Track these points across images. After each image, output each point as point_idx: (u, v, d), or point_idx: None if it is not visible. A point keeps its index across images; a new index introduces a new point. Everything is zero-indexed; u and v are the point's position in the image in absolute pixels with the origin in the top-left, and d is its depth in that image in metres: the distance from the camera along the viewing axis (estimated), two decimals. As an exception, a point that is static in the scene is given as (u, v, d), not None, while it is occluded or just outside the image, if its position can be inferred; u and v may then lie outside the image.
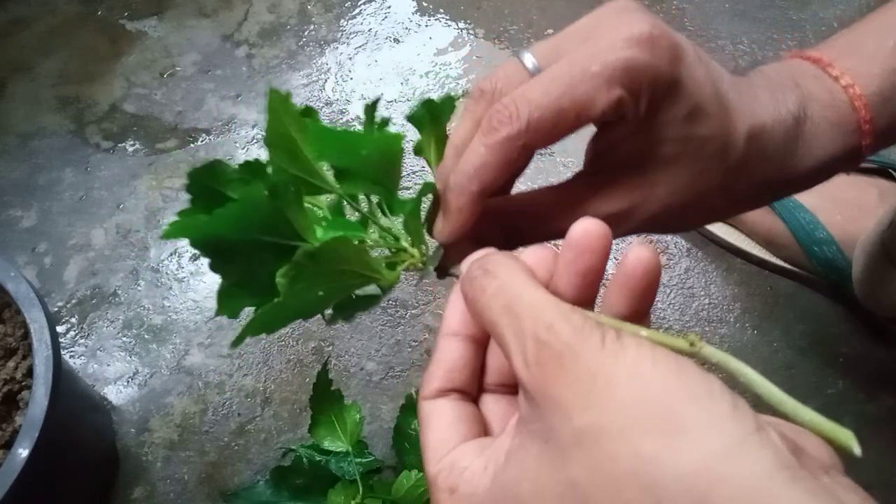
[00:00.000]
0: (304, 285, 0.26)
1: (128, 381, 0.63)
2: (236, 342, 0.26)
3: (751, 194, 0.32)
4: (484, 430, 0.27)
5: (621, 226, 0.30)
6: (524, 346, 0.22)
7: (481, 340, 0.27)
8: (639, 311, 0.26)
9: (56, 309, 0.67)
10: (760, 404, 0.24)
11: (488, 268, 0.25)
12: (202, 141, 0.76)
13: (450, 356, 0.27)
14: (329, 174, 0.29)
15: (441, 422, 0.26)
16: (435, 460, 0.25)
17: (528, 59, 0.29)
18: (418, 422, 0.27)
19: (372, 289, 0.31)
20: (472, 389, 0.28)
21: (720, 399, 0.21)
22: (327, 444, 0.50)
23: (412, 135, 0.33)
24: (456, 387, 0.27)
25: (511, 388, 0.27)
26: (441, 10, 0.83)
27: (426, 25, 0.82)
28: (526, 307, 0.23)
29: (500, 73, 0.29)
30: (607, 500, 0.19)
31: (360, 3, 0.84)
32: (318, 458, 0.52)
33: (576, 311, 0.22)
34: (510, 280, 0.24)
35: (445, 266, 0.31)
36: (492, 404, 0.28)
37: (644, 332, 0.24)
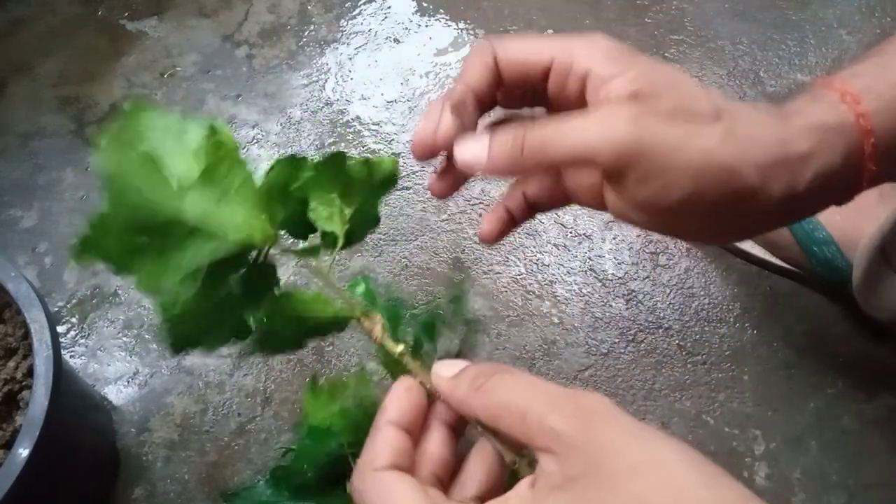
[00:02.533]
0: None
1: (128, 381, 0.63)
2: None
3: (751, 163, 0.30)
4: None
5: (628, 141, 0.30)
6: (561, 405, 0.25)
7: (413, 431, 0.29)
8: None
9: (56, 309, 0.67)
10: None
11: (494, 371, 0.28)
12: (202, 141, 0.76)
13: (394, 441, 0.28)
14: None
15: (406, 489, 0.26)
16: None
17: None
18: (369, 493, 0.27)
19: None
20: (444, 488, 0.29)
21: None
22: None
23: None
24: (407, 466, 0.28)
25: (479, 500, 0.29)
26: (441, 10, 0.83)
27: (426, 25, 0.82)
28: (551, 386, 0.26)
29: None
30: None
31: (360, 3, 0.84)
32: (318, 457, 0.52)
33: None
34: (511, 374, 0.27)
35: None
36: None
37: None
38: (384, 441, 0.28)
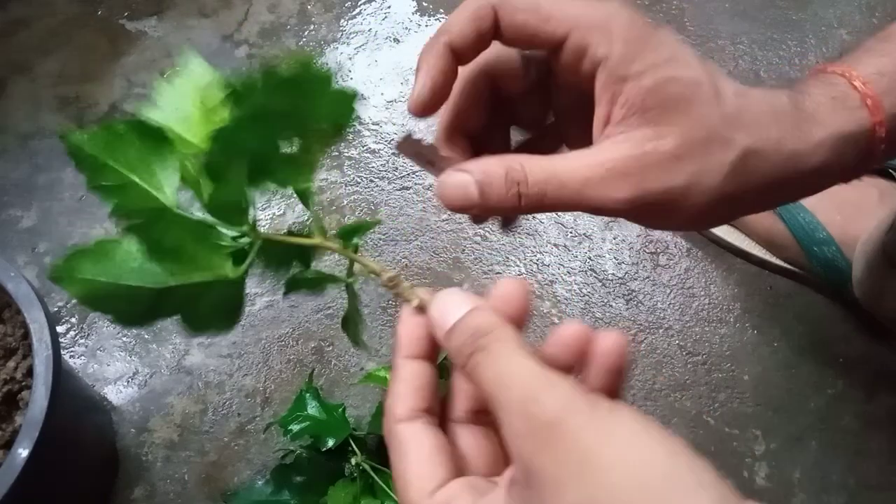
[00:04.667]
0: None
1: (128, 381, 0.63)
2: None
3: (763, 160, 0.30)
4: (459, 462, 0.26)
5: (631, 178, 0.29)
6: (512, 418, 0.22)
7: (436, 360, 0.27)
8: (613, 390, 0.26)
9: (56, 309, 0.67)
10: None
11: (479, 342, 0.24)
12: (202, 141, 0.76)
13: (414, 375, 0.27)
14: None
15: (422, 450, 0.25)
16: (425, 491, 0.25)
17: None
18: (390, 446, 0.26)
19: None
20: (439, 411, 0.27)
21: (711, 489, 0.21)
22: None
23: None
24: (428, 405, 0.27)
25: (482, 414, 0.27)
26: (441, 10, 0.83)
27: (426, 25, 0.82)
28: (515, 379, 0.23)
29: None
30: None
31: (360, 3, 0.84)
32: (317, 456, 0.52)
33: (564, 382, 0.23)
34: (501, 352, 0.24)
35: (430, 162, 0.31)
36: (465, 437, 0.27)
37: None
38: (401, 381, 0.27)
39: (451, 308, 0.26)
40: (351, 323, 0.31)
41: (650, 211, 0.29)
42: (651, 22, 0.29)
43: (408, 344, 0.27)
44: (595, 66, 0.29)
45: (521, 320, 0.27)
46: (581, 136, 0.32)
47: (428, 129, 0.74)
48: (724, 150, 0.29)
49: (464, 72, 0.31)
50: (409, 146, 0.31)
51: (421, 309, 0.27)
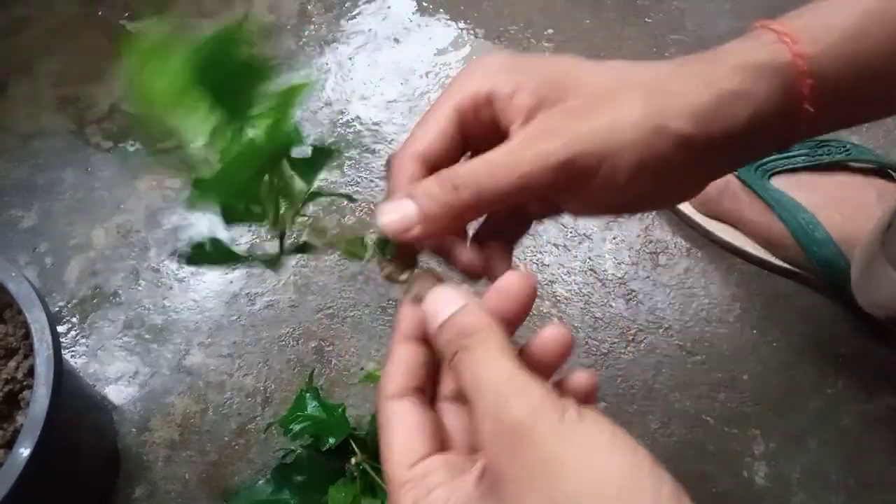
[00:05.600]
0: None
1: (129, 381, 0.63)
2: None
3: (680, 106, 0.29)
4: (444, 438, 0.28)
5: (553, 162, 0.29)
6: (484, 420, 0.23)
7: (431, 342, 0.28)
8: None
9: (57, 309, 0.67)
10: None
11: (462, 341, 0.25)
12: (202, 141, 0.76)
13: (408, 357, 0.28)
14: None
15: (406, 424, 0.27)
16: (404, 464, 0.26)
17: None
18: (379, 422, 0.27)
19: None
20: (430, 390, 0.29)
21: (668, 501, 0.21)
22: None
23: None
24: (418, 384, 0.28)
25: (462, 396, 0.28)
26: (441, 10, 0.83)
27: (426, 25, 0.82)
28: (489, 382, 0.24)
29: None
30: None
31: (360, 3, 0.84)
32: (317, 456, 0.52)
33: (536, 387, 0.23)
34: (479, 352, 0.25)
35: (395, 265, 0.31)
36: (450, 415, 0.28)
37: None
38: (395, 362, 0.28)
39: (443, 304, 0.27)
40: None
41: (585, 165, 0.29)
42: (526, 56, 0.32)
43: (405, 328, 0.29)
44: (491, 104, 0.31)
45: (520, 314, 0.28)
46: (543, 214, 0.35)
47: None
48: (630, 93, 0.29)
49: (438, 112, 0.31)
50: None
51: (418, 299, 0.28)
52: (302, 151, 0.30)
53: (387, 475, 0.26)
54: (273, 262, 0.31)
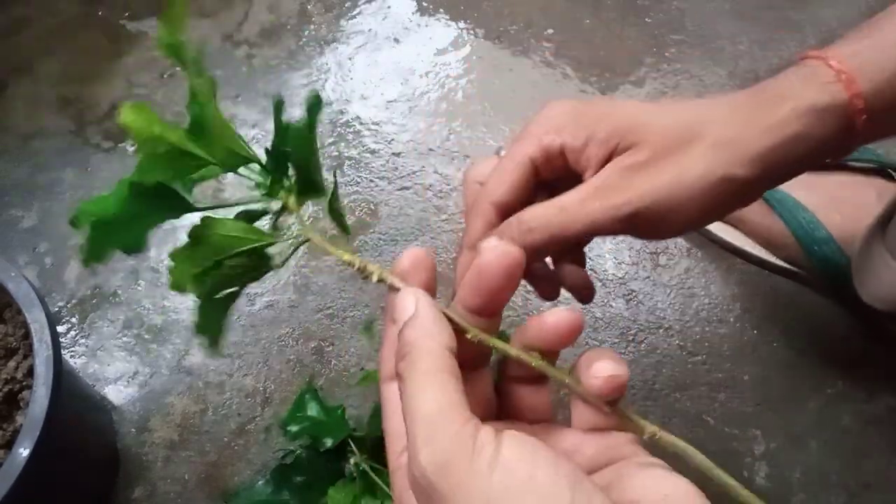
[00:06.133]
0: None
1: (128, 381, 0.63)
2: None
3: (741, 151, 0.32)
4: None
5: (621, 206, 0.32)
6: (412, 448, 0.22)
7: None
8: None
9: (57, 309, 0.67)
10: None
11: (400, 365, 0.24)
12: (202, 141, 0.76)
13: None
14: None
15: (398, 409, 0.26)
16: (395, 451, 0.26)
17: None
18: (381, 405, 0.28)
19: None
20: None
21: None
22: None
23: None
24: None
25: (474, 369, 0.29)
26: (441, 10, 0.83)
27: (426, 25, 0.82)
28: (418, 410, 0.23)
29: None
30: None
31: (360, 3, 0.84)
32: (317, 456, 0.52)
33: (450, 427, 0.22)
34: (411, 384, 0.23)
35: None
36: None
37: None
38: (389, 346, 0.28)
39: (403, 310, 0.26)
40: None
41: (650, 216, 0.32)
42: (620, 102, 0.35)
43: (398, 311, 0.28)
44: (563, 156, 0.34)
45: (560, 347, 0.28)
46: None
47: (428, 129, 0.74)
48: (696, 144, 0.32)
49: (514, 163, 0.35)
50: None
51: (391, 286, 0.28)
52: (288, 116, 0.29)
53: (388, 459, 0.27)
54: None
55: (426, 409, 0.22)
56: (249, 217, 0.30)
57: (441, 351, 0.24)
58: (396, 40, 0.81)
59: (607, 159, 0.33)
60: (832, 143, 0.32)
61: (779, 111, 0.32)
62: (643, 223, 0.32)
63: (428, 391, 0.23)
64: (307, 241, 0.30)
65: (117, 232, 0.27)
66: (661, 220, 0.32)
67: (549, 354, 0.27)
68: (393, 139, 0.73)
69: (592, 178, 0.33)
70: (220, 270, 0.28)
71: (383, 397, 0.28)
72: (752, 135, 0.31)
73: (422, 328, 0.25)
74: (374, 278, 0.28)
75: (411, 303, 0.26)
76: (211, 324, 0.30)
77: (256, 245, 0.29)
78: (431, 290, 0.28)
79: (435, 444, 0.22)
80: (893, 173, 0.61)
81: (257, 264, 0.29)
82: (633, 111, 0.33)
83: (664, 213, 0.32)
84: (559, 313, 0.27)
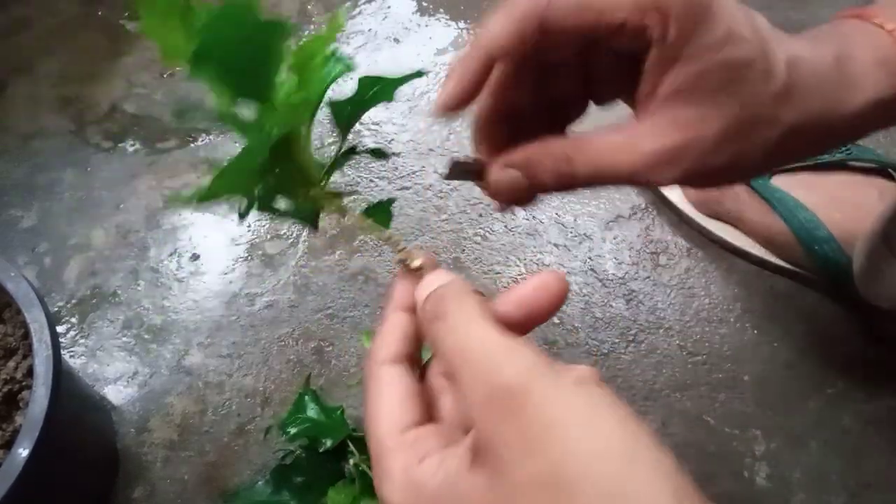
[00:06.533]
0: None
1: (128, 381, 0.63)
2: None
3: (803, 133, 0.30)
4: (434, 412, 0.27)
5: (677, 165, 0.29)
6: (475, 387, 0.22)
7: None
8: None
9: (56, 309, 0.67)
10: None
11: (438, 309, 0.25)
12: (202, 141, 0.76)
13: (402, 323, 0.28)
14: None
15: (399, 390, 0.26)
16: (394, 430, 0.25)
17: None
18: (367, 387, 0.27)
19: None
20: (420, 362, 0.28)
21: (669, 478, 0.20)
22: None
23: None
24: (410, 353, 0.28)
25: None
26: (441, 10, 0.83)
27: (426, 25, 0.82)
28: (475, 346, 0.23)
29: None
30: None
31: (360, 3, 0.84)
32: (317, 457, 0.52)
33: (527, 350, 0.22)
34: (460, 319, 0.24)
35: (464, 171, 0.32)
36: (438, 391, 0.28)
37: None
38: (390, 328, 0.28)
39: (431, 282, 0.27)
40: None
41: (692, 181, 0.30)
42: None
43: (400, 297, 0.28)
44: (648, 45, 0.28)
45: (548, 313, 0.27)
46: (613, 97, 0.33)
47: (429, 128, 0.74)
48: (769, 130, 0.29)
49: (514, 15, 0.29)
50: (456, 171, 0.32)
51: (416, 269, 0.28)
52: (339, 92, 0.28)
53: (374, 441, 0.25)
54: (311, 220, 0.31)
55: (496, 334, 0.23)
56: None
57: (484, 301, 0.25)
58: (396, 40, 0.81)
59: (677, 85, 0.28)
60: (868, 132, 0.32)
61: (848, 104, 0.30)
62: (685, 183, 0.30)
63: (491, 325, 0.23)
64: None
65: None
66: (703, 182, 0.30)
67: (536, 321, 0.27)
68: (393, 139, 0.73)
69: (647, 141, 0.29)
70: None
71: (375, 379, 0.27)
72: (817, 129, 0.30)
73: (459, 283, 0.26)
74: (412, 262, 0.29)
75: (443, 275, 0.27)
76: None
77: None
78: None
79: (519, 357, 0.22)
80: (894, 173, 0.61)
81: None
82: (747, 52, 0.28)
83: (708, 179, 0.30)
84: (543, 275, 0.27)
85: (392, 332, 0.28)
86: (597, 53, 0.31)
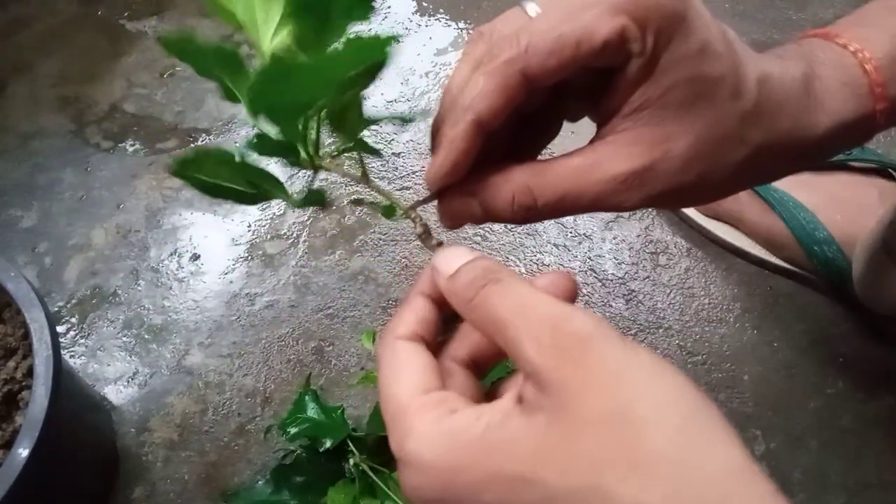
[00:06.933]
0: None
1: (128, 381, 0.63)
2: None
3: (770, 153, 0.30)
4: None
5: (642, 187, 0.28)
6: (540, 334, 0.23)
7: (441, 305, 0.29)
8: None
9: (56, 309, 0.67)
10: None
11: (490, 276, 0.25)
12: (202, 141, 0.76)
13: (424, 307, 0.28)
14: None
15: (419, 362, 0.26)
16: (418, 391, 0.25)
17: (531, 8, 0.28)
18: (383, 361, 0.27)
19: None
20: (435, 348, 0.29)
21: (726, 435, 0.22)
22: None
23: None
24: (426, 336, 0.28)
25: (475, 364, 0.29)
26: (441, 10, 0.83)
27: (426, 25, 0.82)
28: (541, 304, 0.24)
29: (500, 18, 0.29)
30: (623, 476, 0.20)
31: (360, 3, 0.84)
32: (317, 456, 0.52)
33: (590, 311, 0.24)
34: (518, 283, 0.25)
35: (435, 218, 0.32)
36: (458, 375, 0.28)
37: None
38: (411, 309, 0.28)
39: (455, 257, 0.27)
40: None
41: (658, 203, 0.30)
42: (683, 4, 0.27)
43: (425, 283, 0.29)
44: (627, 59, 0.27)
45: None
46: (581, 114, 0.33)
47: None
48: (736, 149, 0.29)
49: (496, 77, 0.28)
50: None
51: (438, 245, 0.29)
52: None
53: (394, 403, 0.25)
54: (319, 200, 0.31)
55: (555, 299, 0.24)
56: None
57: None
58: (396, 40, 0.81)
59: (645, 100, 0.27)
60: (836, 153, 0.33)
61: (815, 127, 0.31)
62: (651, 205, 0.30)
63: (540, 294, 0.24)
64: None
65: None
66: (668, 203, 0.31)
67: None
68: (393, 139, 0.73)
69: (612, 164, 0.28)
70: None
71: (393, 353, 0.26)
72: (784, 149, 0.30)
73: (490, 260, 0.26)
74: (431, 240, 0.30)
75: (466, 252, 0.27)
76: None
77: None
78: None
79: (587, 313, 0.23)
80: (894, 173, 0.61)
81: None
82: (719, 68, 0.28)
83: (673, 200, 0.30)
84: (551, 275, 0.27)
85: (412, 314, 0.28)
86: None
